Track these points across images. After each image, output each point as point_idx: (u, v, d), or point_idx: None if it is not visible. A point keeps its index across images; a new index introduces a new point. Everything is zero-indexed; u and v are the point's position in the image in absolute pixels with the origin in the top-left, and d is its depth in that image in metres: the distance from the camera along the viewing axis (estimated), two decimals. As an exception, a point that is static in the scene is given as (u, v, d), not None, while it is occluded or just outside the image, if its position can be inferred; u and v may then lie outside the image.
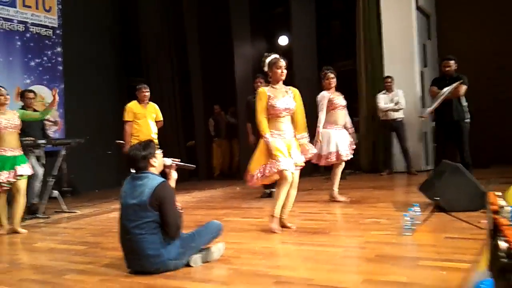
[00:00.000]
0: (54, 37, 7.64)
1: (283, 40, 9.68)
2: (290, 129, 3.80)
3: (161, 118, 6.31)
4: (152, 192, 2.73)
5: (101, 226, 4.77)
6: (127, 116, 6.03)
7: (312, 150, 3.95)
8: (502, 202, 1.91)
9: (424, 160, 7.63)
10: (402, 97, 7.28)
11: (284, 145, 3.70)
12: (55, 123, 6.96)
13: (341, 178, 5.23)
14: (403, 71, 7.47)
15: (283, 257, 3.09)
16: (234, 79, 8.94)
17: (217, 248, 2.97)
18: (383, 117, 7.43)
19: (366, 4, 7.88)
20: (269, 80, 3.85)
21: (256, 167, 3.71)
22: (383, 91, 7.42)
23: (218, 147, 9.57)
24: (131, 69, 9.50)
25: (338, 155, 4.94)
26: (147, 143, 2.98)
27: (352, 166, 7.65)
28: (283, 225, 3.80)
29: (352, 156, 5.11)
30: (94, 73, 8.38)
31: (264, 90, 3.76)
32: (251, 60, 8.97)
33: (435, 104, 5.91)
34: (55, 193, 5.86)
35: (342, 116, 5.13)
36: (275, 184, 4.71)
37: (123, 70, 9.30)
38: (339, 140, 5.00)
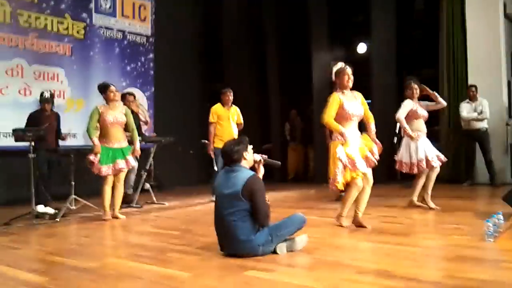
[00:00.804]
0: (147, 44, 8.34)
1: (361, 48, 9.72)
2: (358, 133, 4.00)
3: (242, 121, 6.69)
4: (244, 183, 3.02)
5: (189, 217, 5.20)
6: (212, 118, 6.48)
7: (378, 144, 4.05)
8: None
9: (509, 173, 7.33)
10: (486, 106, 7.06)
11: (358, 148, 3.90)
12: (146, 122, 7.56)
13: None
14: (488, 80, 7.25)
15: (363, 252, 3.25)
16: (311, 85, 9.14)
17: (301, 239, 3.20)
18: (466, 127, 7.25)
19: (450, 12, 7.75)
20: (337, 87, 4.03)
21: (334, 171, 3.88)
22: (466, 100, 7.24)
23: (293, 151, 9.82)
24: (213, 75, 10.04)
25: (428, 162, 4.96)
26: (241, 139, 3.28)
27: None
28: (359, 224, 3.98)
29: (440, 163, 5.08)
30: (180, 78, 8.96)
31: (337, 95, 3.96)
32: (329, 67, 9.12)
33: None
34: (147, 185, 6.42)
35: (424, 125, 5.17)
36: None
37: (205, 75, 9.85)
38: (426, 147, 5.03)
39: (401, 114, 5.06)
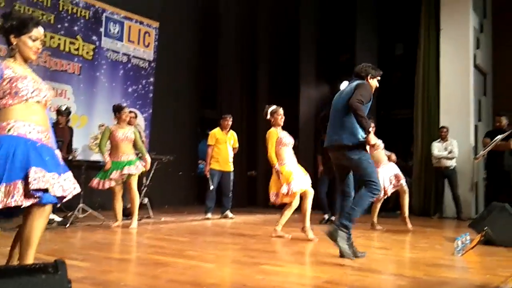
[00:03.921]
0: (149, 68, 8.89)
1: (345, 85, 10.52)
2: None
3: (237, 146, 7.29)
4: None
5: (190, 229, 5.63)
6: (210, 141, 7.06)
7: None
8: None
9: (474, 208, 8.06)
10: (455, 146, 7.78)
11: (298, 173, 4.76)
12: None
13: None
14: (458, 123, 8.04)
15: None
16: (298, 118, 9.80)
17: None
18: (436, 164, 7.94)
19: (426, 59, 8.58)
20: (272, 124, 4.97)
21: (273, 189, 4.88)
22: (438, 140, 8.00)
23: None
24: (206, 102, 10.63)
25: (384, 191, 5.72)
26: None
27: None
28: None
29: (394, 190, 5.84)
30: (176, 103, 9.51)
31: (274, 130, 4.90)
32: (315, 102, 9.89)
33: (487, 149, 6.50)
34: (146, 200, 6.82)
35: (383, 155, 5.99)
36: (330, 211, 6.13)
37: (199, 101, 10.44)
38: (384, 175, 5.75)
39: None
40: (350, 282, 2.79)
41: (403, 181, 5.77)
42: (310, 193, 4.80)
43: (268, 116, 4.99)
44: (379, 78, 4.01)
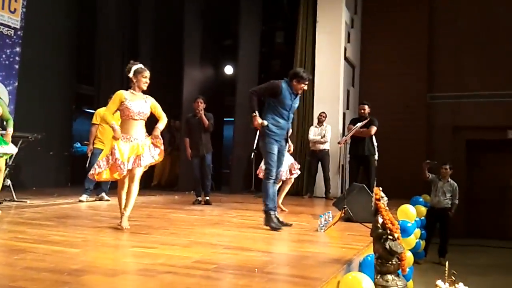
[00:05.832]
0: (15, 37, 7.97)
1: (228, 70, 10.69)
2: (142, 133, 4.10)
3: None
4: None
5: (59, 212, 5.27)
6: (95, 119, 6.72)
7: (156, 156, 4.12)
8: (382, 194, 2.94)
9: (340, 188, 8.83)
10: (329, 131, 8.40)
11: (128, 148, 3.96)
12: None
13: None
14: (329, 110, 8.69)
15: (227, 236, 3.91)
16: (181, 98, 9.68)
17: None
18: (312, 147, 8.51)
19: (303, 49, 9.11)
20: (132, 85, 4.11)
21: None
22: (315, 124, 8.55)
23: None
24: (83, 78, 9.95)
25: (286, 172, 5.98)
26: None
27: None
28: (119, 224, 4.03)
29: (291, 176, 6.14)
30: (47, 76, 8.73)
31: (122, 93, 4.05)
32: (199, 83, 9.85)
33: (348, 135, 7.12)
34: (8, 182, 6.20)
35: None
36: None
37: (74, 77, 9.72)
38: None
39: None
40: (220, 261, 2.88)
41: (295, 174, 6.07)
42: (134, 178, 4.02)
43: (131, 74, 4.08)
44: (306, 83, 4.63)
